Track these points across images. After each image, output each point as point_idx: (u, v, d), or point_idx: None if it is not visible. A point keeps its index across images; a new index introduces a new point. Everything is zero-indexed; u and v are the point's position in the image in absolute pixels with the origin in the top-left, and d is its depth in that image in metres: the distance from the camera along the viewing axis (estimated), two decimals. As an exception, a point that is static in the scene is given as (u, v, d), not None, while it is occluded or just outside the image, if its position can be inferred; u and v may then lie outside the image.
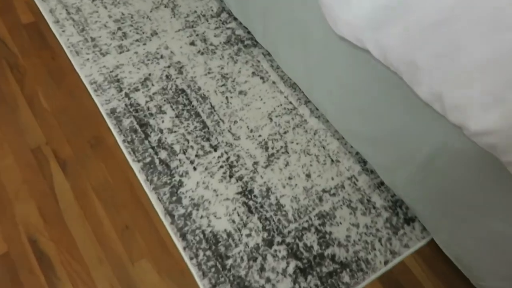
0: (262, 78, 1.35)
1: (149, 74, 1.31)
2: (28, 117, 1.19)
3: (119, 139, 1.17)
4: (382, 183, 1.18)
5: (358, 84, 1.01)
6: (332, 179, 1.17)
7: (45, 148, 1.14)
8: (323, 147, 1.22)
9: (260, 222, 1.07)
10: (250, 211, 1.09)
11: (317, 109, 1.29)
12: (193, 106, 1.26)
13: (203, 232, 1.04)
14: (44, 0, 1.44)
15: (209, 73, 1.34)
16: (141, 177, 1.11)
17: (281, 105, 1.29)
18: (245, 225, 1.06)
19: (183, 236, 1.03)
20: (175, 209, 1.07)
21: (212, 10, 1.50)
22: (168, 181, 1.11)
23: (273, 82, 1.35)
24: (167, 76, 1.31)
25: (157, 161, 1.14)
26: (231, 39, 1.43)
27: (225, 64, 1.36)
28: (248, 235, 1.05)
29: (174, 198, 1.09)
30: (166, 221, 1.05)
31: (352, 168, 1.20)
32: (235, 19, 1.48)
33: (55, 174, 1.10)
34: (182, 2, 1.50)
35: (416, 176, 0.97)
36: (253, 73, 1.36)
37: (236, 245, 1.03)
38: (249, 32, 1.45)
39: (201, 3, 1.51)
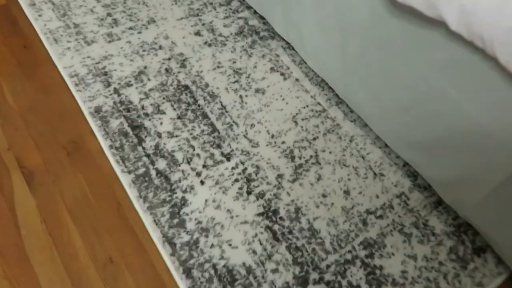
0: (282, 74, 1.15)
1: (145, 67, 1.15)
2: (-14, 116, 1.03)
3: (104, 144, 1.01)
4: (439, 202, 0.97)
5: (417, 72, 0.84)
6: (377, 197, 0.97)
7: (6, 154, 0.97)
8: (362, 157, 1.01)
9: (290, 253, 0.88)
10: (275, 238, 0.89)
11: (351, 111, 1.09)
12: (199, 105, 1.07)
13: (214, 266, 0.86)
14: (19, -18, 1.25)
15: (218, 67, 1.15)
16: (132, 193, 0.95)
17: (307, 106, 1.09)
18: (269, 257, 0.87)
19: (187, 272, 0.85)
20: (177, 236, 0.89)
21: (220, -2, 1.32)
22: (168, 199, 0.94)
23: (296, 80, 1.14)
24: (167, 70, 1.13)
25: (153, 172, 0.96)
26: (244, 30, 1.25)
27: (238, 58, 1.17)
28: (275, 271, 0.86)
29: (175, 221, 0.91)
30: (164, 252, 0.88)
31: (400, 183, 0.98)
32: (248, 7, 1.32)
33: (17, 188, 0.94)
34: (184, -12, 1.33)
35: (500, 192, 0.79)
36: (271, 68, 1.16)
37: (259, 285, 0.84)
38: (265, 23, 1.28)
39: (207, -9, 1.34)
